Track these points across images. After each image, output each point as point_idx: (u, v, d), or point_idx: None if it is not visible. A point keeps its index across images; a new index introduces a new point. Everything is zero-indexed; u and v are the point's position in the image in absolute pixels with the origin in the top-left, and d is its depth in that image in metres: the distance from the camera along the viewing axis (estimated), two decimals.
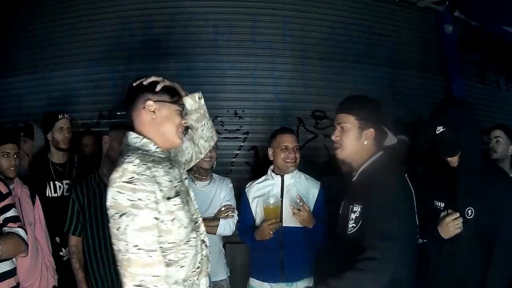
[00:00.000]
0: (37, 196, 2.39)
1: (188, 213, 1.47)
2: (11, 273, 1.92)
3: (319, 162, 3.90)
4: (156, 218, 1.35)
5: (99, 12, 4.29)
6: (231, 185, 2.61)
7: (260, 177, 2.54)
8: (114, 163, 2.24)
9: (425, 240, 1.93)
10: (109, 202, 1.33)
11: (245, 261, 2.74)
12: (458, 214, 1.76)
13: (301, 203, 2.23)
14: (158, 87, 1.47)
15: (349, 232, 1.62)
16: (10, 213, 1.93)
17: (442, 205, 1.87)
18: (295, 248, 2.31)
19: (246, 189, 2.53)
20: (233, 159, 4.15)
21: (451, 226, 1.76)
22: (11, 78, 4.42)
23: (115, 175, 1.34)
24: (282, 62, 4.31)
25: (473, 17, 5.25)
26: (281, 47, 4.33)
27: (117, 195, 1.31)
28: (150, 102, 1.46)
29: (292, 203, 2.30)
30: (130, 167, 1.33)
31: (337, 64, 4.44)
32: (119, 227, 1.30)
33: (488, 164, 2.03)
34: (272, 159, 2.46)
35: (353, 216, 1.62)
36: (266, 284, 2.38)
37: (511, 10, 4.33)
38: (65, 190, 2.76)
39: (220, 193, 2.54)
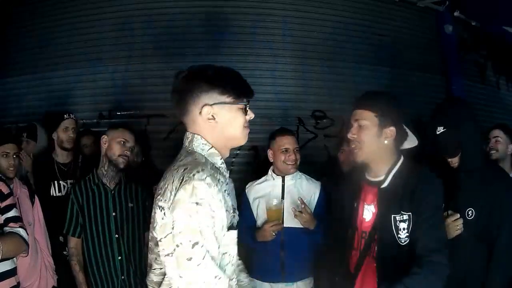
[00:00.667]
0: (36, 197, 2.39)
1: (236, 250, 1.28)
2: (12, 272, 1.93)
3: (319, 162, 3.90)
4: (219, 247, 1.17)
5: (99, 12, 4.28)
6: (232, 184, 2.59)
7: (261, 177, 2.54)
8: (112, 162, 2.26)
9: None
10: (180, 227, 1.12)
11: (245, 261, 2.74)
12: (458, 215, 1.76)
13: (302, 205, 2.23)
14: (217, 84, 1.24)
15: (403, 243, 1.50)
16: (11, 213, 1.93)
17: (442, 205, 1.86)
18: (296, 249, 2.31)
19: (246, 190, 2.53)
20: (233, 159, 4.14)
21: (452, 227, 1.75)
22: (11, 78, 4.42)
23: (184, 194, 1.12)
24: (282, 62, 4.30)
25: (473, 17, 5.25)
26: (281, 47, 4.32)
27: (187, 219, 1.11)
28: (206, 109, 1.23)
29: (293, 204, 2.30)
30: (201, 186, 1.12)
31: (337, 64, 4.44)
32: (192, 257, 1.10)
33: (488, 164, 2.03)
34: (272, 160, 2.45)
35: (404, 225, 1.49)
36: (266, 284, 2.38)
37: (511, 10, 4.33)
38: (69, 189, 2.77)
39: None
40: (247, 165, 4.16)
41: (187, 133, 1.29)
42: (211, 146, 1.26)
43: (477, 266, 1.76)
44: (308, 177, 2.50)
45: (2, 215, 1.90)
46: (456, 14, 5.13)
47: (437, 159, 1.91)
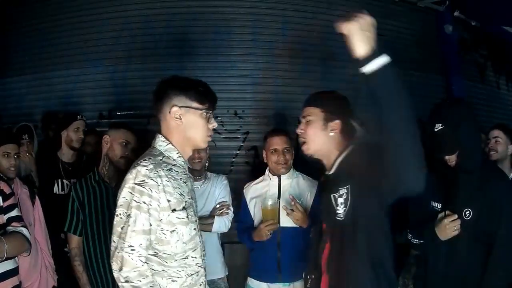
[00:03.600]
0: (36, 197, 2.39)
1: (191, 231, 1.48)
2: (14, 272, 1.93)
3: (318, 162, 3.89)
4: (150, 224, 1.38)
5: (99, 12, 4.29)
6: (225, 181, 2.60)
7: (260, 177, 2.54)
8: (113, 163, 2.26)
9: (422, 241, 1.92)
10: (120, 200, 1.39)
11: (243, 261, 2.75)
12: (456, 216, 1.75)
13: (293, 203, 2.23)
14: (187, 91, 1.48)
15: (341, 218, 1.53)
16: (14, 212, 1.94)
17: (439, 205, 1.86)
18: (292, 249, 2.30)
19: (244, 190, 2.54)
20: (233, 159, 4.15)
21: (449, 228, 1.74)
22: (11, 78, 4.42)
23: (129, 176, 1.39)
24: (282, 62, 4.30)
25: (473, 17, 5.25)
26: (281, 47, 4.32)
27: (128, 195, 1.38)
28: (175, 109, 1.46)
29: (289, 204, 2.30)
30: (143, 170, 1.38)
31: (337, 64, 4.43)
32: (123, 226, 1.36)
33: (487, 164, 2.02)
34: (266, 161, 2.46)
35: (341, 200, 1.54)
36: (263, 284, 2.38)
37: (511, 10, 4.33)
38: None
39: (215, 190, 2.54)
40: (247, 165, 4.16)
41: (156, 133, 1.54)
42: (168, 142, 1.49)
43: (476, 267, 1.75)
44: (306, 176, 2.49)
45: (5, 214, 1.91)
46: (456, 14, 5.13)
47: (435, 158, 1.90)
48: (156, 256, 1.42)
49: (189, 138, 1.50)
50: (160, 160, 1.44)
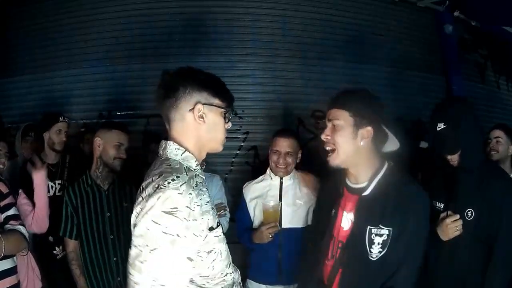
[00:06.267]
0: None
1: (226, 246, 1.29)
2: (13, 271, 1.92)
3: (318, 163, 3.89)
4: (190, 259, 1.17)
5: (99, 12, 4.29)
6: (220, 182, 2.57)
7: (259, 177, 2.52)
8: (108, 166, 2.24)
9: None
10: (140, 230, 1.13)
11: (242, 261, 2.73)
12: (458, 216, 1.74)
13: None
14: (209, 86, 1.26)
15: (374, 258, 1.40)
16: (11, 211, 1.94)
17: (442, 205, 1.86)
18: (293, 250, 2.27)
19: (243, 190, 2.48)
20: (233, 159, 4.14)
21: (451, 228, 1.74)
22: (11, 78, 4.43)
23: (154, 199, 1.12)
24: (282, 62, 4.30)
25: (473, 17, 5.25)
26: (281, 47, 4.32)
27: (151, 225, 1.12)
28: (199, 106, 1.23)
29: (290, 205, 2.28)
30: (174, 195, 1.12)
31: (337, 64, 4.44)
32: (146, 260, 1.12)
33: (488, 164, 2.02)
34: (269, 159, 2.44)
35: (379, 240, 1.38)
36: (263, 286, 2.36)
37: (511, 10, 4.32)
38: (57, 190, 2.76)
39: (210, 191, 2.50)
40: (247, 165, 4.16)
41: (162, 141, 1.29)
42: (184, 150, 1.25)
43: (477, 267, 1.75)
44: (307, 174, 2.47)
45: (2, 213, 1.90)
46: (456, 14, 5.13)
47: (437, 158, 1.90)
48: (192, 283, 1.21)
49: (210, 140, 1.28)
50: (186, 175, 1.19)
